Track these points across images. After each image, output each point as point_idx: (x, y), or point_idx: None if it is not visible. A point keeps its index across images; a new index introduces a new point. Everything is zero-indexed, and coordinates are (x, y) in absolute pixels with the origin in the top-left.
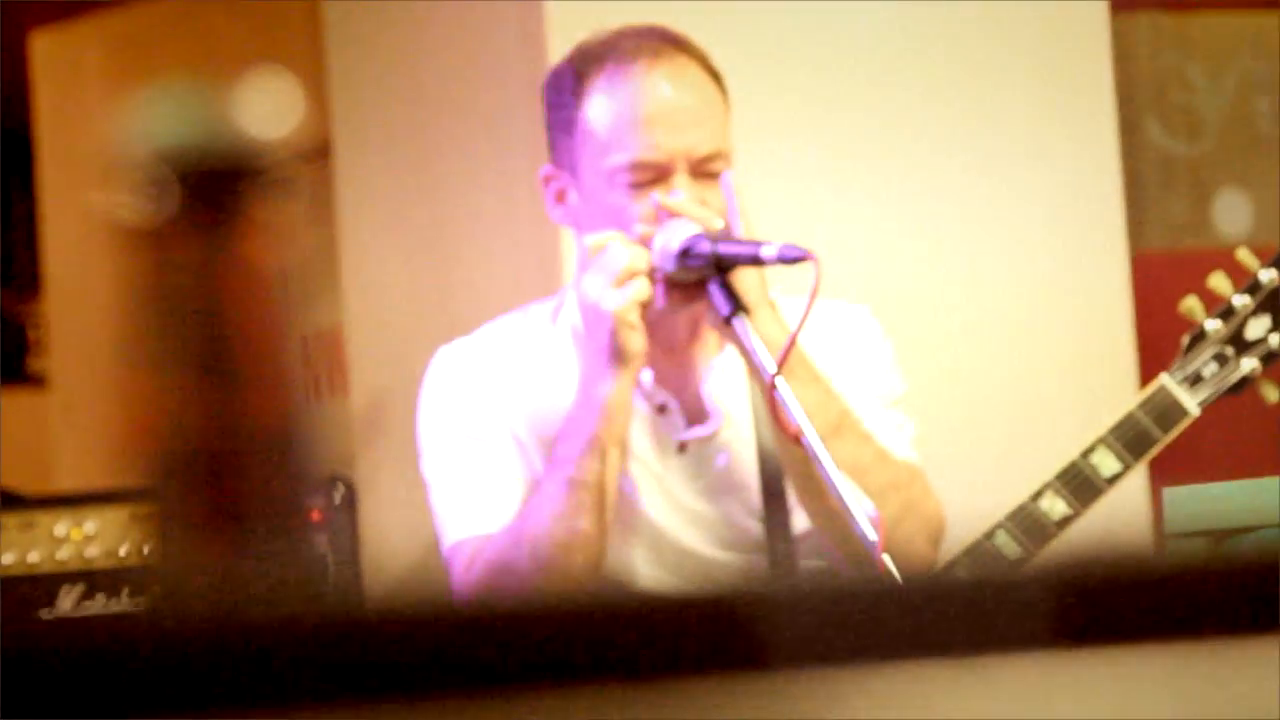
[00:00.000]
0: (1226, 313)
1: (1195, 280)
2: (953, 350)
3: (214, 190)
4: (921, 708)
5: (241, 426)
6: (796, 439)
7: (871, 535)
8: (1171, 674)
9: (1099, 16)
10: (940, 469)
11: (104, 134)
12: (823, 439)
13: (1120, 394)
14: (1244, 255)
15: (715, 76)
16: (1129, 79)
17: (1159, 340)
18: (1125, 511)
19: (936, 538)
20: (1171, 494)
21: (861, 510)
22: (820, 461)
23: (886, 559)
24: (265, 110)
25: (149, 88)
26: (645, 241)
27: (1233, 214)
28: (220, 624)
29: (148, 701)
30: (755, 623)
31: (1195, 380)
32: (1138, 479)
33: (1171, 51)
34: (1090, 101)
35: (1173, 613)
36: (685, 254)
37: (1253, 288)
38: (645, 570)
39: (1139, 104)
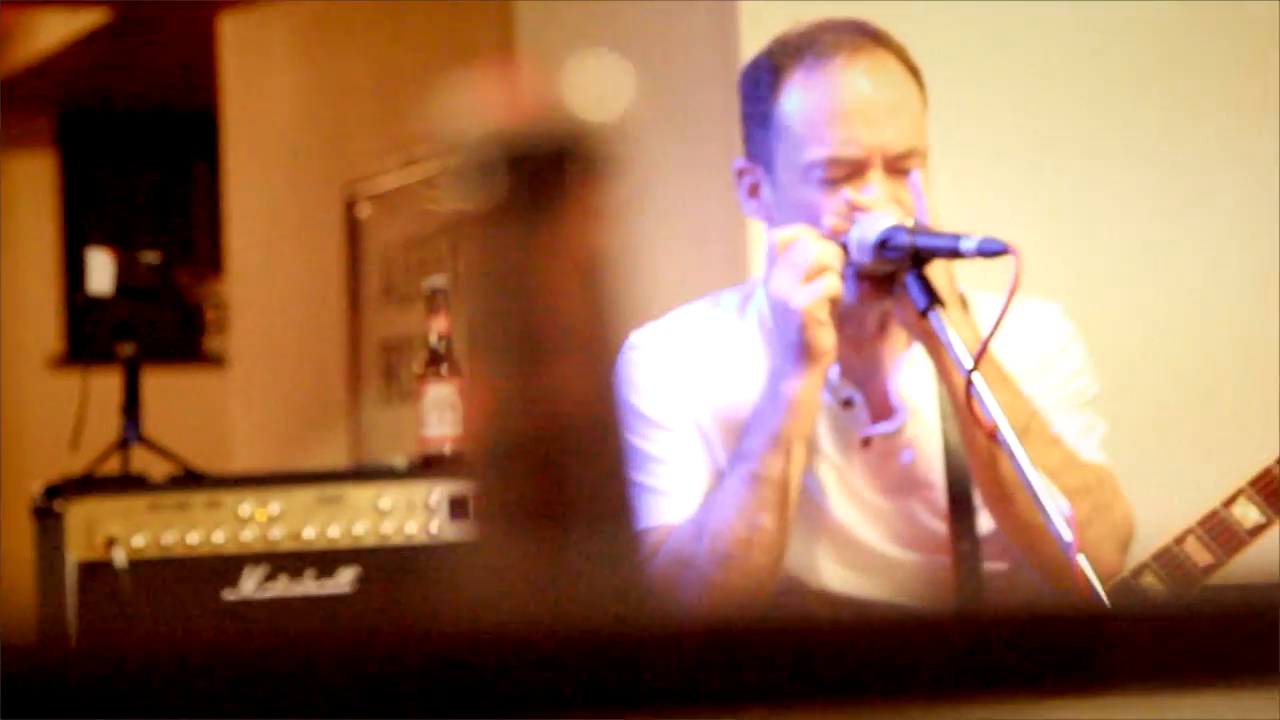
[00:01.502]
0: None
1: None
2: (1144, 351)
3: (541, 173)
4: None
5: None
6: (991, 435)
7: (1067, 535)
8: None
9: None
10: (1130, 472)
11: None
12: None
13: None
14: None
15: (914, 71)
16: None
17: None
18: None
19: (1125, 543)
20: None
21: (1056, 510)
22: (1016, 459)
23: (1082, 560)
24: (595, 91)
25: (475, 70)
26: (835, 236)
27: None
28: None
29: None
30: (986, 643)
31: None
32: None
33: None
34: None
35: None
36: (882, 245)
37: None
38: (827, 567)
39: None
